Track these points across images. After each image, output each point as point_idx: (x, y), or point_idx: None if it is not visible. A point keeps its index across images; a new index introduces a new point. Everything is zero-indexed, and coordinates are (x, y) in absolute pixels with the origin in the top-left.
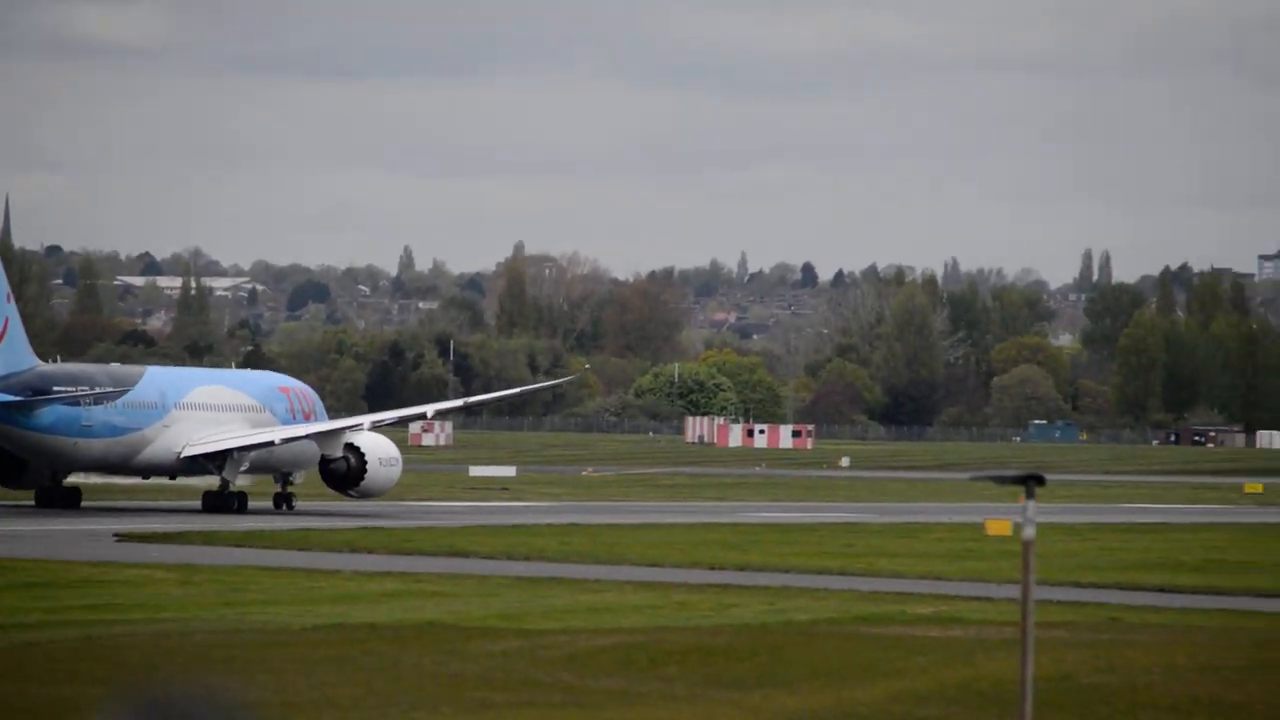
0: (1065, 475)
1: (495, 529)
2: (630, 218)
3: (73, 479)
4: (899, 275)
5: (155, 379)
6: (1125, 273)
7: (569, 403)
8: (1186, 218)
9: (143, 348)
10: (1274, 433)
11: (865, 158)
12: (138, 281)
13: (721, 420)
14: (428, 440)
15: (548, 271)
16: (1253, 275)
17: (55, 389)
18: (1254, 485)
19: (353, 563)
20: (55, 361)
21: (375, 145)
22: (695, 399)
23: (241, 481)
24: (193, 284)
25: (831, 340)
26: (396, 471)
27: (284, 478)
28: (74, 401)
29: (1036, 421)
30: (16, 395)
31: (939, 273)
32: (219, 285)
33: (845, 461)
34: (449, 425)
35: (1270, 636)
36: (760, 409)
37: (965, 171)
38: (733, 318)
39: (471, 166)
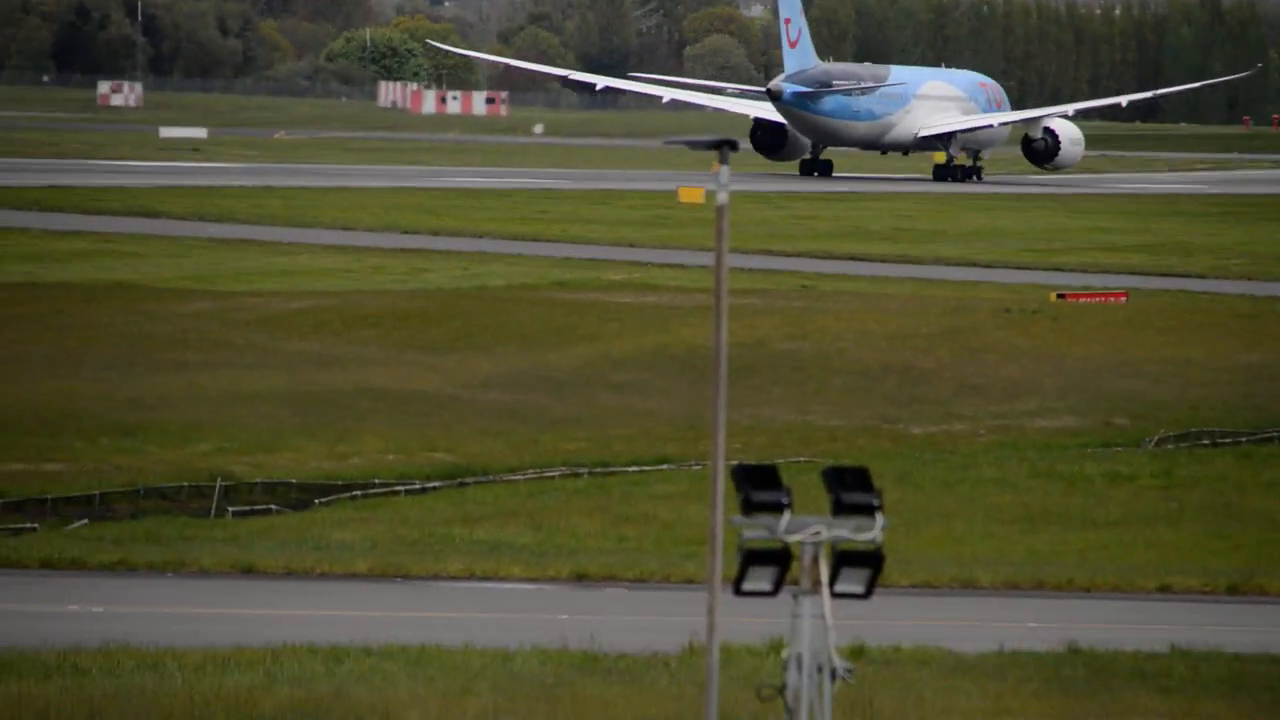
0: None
1: (186, 190)
2: None
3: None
4: None
5: (899, 74)
6: None
7: (260, 65)
8: None
9: None
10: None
11: None
12: None
13: (415, 86)
14: (116, 101)
15: None
16: None
17: (834, 82)
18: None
19: (42, 221)
20: (829, 60)
21: None
22: (388, 64)
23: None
24: None
25: (524, 8)
26: (1081, 150)
27: (975, 154)
28: (847, 92)
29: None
30: (807, 87)
31: None
32: None
33: (539, 129)
34: (139, 86)
35: (958, 304)
36: (453, 75)
37: None
38: None
39: None
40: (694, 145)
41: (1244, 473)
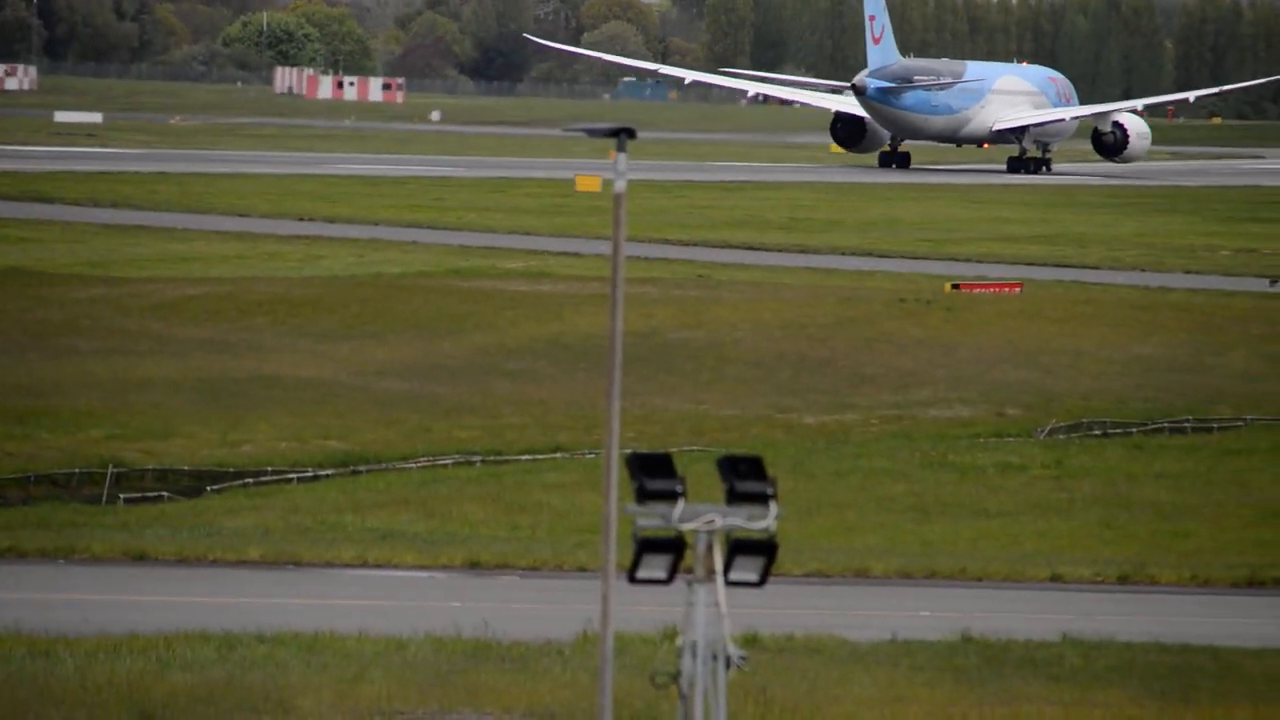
0: (656, 133)
1: (81, 175)
2: None
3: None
4: None
5: (974, 70)
6: None
7: (155, 50)
8: None
9: None
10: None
11: None
12: None
13: (311, 72)
14: (11, 84)
15: None
16: None
17: (915, 78)
18: (838, 145)
19: None
20: (909, 57)
21: None
22: (284, 49)
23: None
24: None
25: None
26: (1148, 144)
27: (1044, 147)
28: (927, 88)
29: (626, 79)
30: (889, 82)
31: None
32: None
33: (436, 115)
34: (33, 69)
35: (853, 294)
36: (350, 61)
37: None
38: None
39: None
40: (592, 133)
41: (1134, 463)
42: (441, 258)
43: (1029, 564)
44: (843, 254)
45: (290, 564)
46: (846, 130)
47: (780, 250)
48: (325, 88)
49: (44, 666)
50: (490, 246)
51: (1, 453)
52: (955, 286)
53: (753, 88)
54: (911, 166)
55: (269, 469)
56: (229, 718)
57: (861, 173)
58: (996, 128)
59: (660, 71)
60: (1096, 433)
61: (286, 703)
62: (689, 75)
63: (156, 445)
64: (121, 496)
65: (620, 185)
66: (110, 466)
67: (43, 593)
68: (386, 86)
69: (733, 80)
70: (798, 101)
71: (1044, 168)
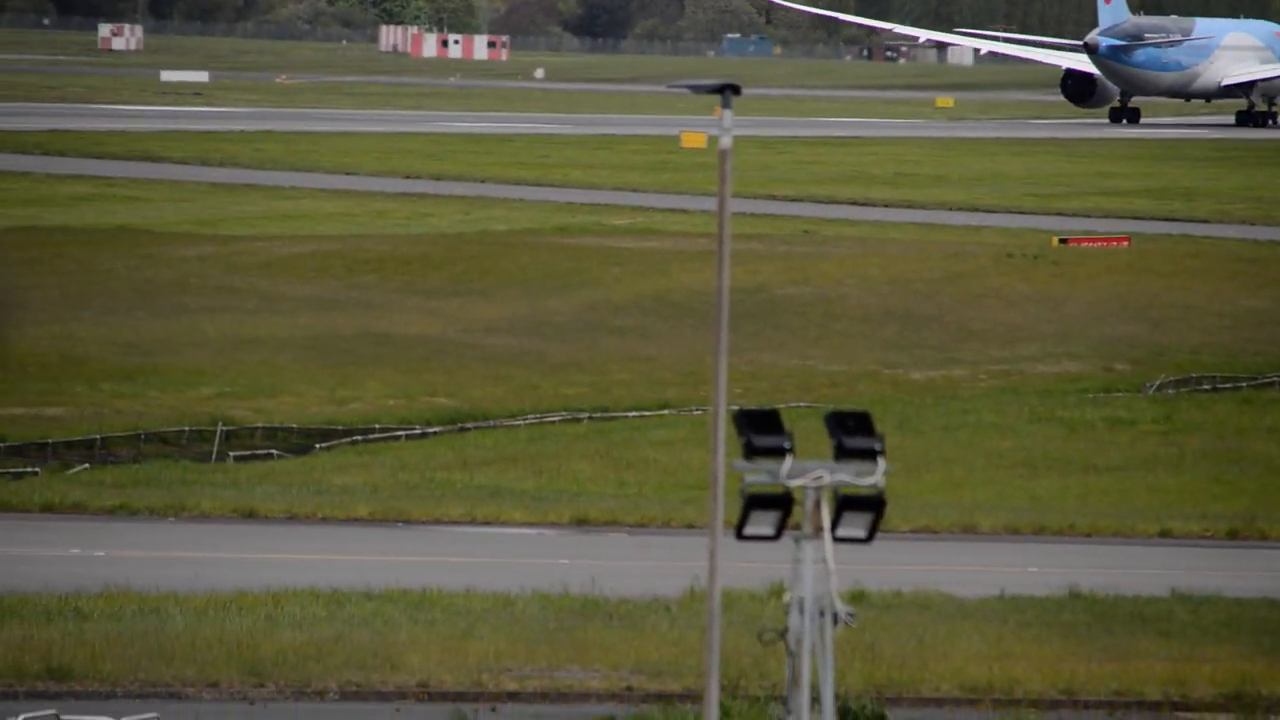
0: (760, 89)
1: (188, 134)
2: None
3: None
4: None
5: (1203, 26)
6: None
7: (260, 8)
8: None
9: None
10: (964, 48)
11: None
12: None
13: (416, 29)
14: (118, 44)
15: None
16: None
17: (1145, 36)
18: (945, 100)
19: (43, 165)
20: (1139, 14)
21: None
22: (389, 7)
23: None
24: None
25: None
26: None
27: (1271, 100)
28: (1158, 45)
29: (731, 35)
30: (1120, 40)
31: None
32: None
33: (540, 73)
34: (139, 29)
35: (959, 249)
36: (454, 19)
37: None
38: None
39: None
40: (697, 90)
41: (1244, 417)
42: (548, 215)
43: (1138, 519)
44: (949, 209)
45: (399, 521)
46: (1077, 87)
47: (886, 205)
48: (430, 46)
49: (154, 624)
50: (596, 203)
51: (112, 410)
52: (1062, 241)
53: (985, 45)
54: (1141, 122)
55: (377, 426)
56: (338, 674)
57: (966, 127)
58: (1225, 83)
59: (895, 30)
60: (1206, 387)
61: (395, 659)
62: (923, 34)
63: (265, 403)
64: (231, 454)
65: (726, 141)
66: (220, 424)
67: (153, 550)
68: (491, 44)
69: (966, 39)
70: (1026, 58)
71: (1271, 121)
